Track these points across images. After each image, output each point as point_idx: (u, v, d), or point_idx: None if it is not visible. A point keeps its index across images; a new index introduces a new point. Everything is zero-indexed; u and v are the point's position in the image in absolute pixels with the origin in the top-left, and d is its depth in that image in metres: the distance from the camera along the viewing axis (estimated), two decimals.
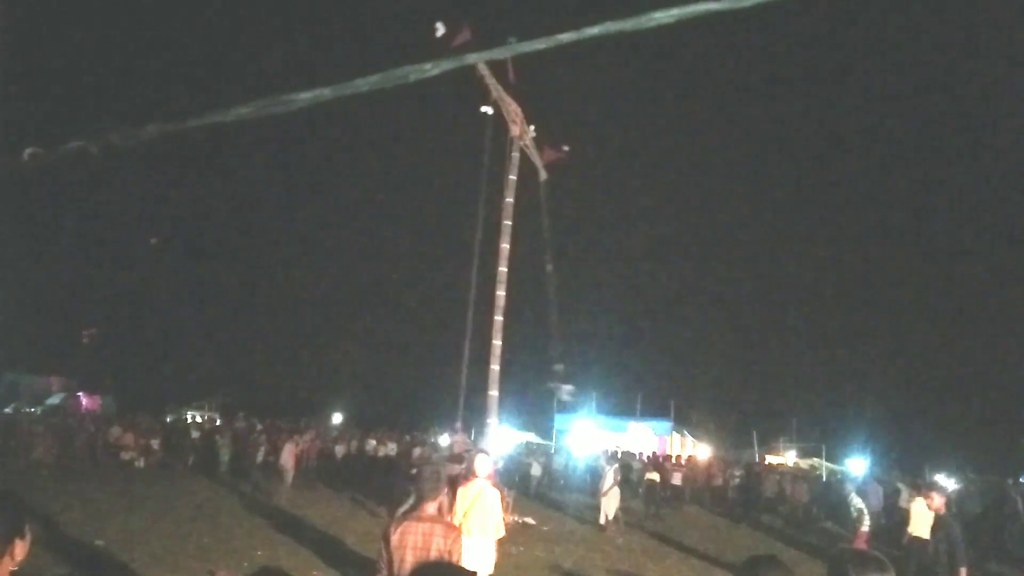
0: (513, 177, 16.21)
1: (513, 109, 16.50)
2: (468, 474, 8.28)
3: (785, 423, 40.85)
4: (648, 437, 34.44)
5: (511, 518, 15.72)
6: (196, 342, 52.97)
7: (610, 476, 17.51)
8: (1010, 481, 25.15)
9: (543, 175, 17.63)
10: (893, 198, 67.82)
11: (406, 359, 53.82)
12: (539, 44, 2.69)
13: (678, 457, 29.64)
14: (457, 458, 12.89)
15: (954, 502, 21.13)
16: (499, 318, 15.34)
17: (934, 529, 7.98)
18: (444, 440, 32.97)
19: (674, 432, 35.88)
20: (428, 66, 2.56)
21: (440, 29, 16.16)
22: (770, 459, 36.04)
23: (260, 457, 19.10)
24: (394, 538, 4.43)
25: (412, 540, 4.40)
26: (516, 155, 16.31)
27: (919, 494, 14.08)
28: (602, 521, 16.96)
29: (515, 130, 16.46)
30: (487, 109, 16.14)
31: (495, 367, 15.09)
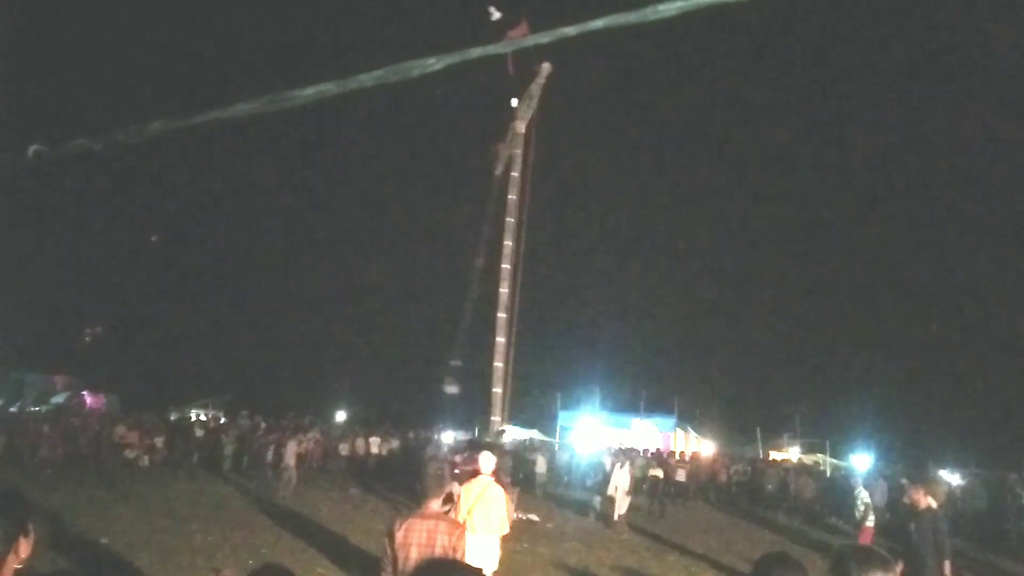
0: (515, 174, 16.22)
1: (519, 124, 16.54)
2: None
3: (789, 419, 40.79)
4: (652, 433, 34.42)
5: (515, 515, 15.73)
6: (200, 340, 53.04)
7: (625, 474, 17.55)
8: (1014, 476, 25.11)
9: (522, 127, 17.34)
10: (897, 193, 67.75)
11: (410, 357, 53.84)
12: (543, 38, 2.68)
13: (682, 453, 29.62)
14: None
15: (959, 497, 21.16)
16: (502, 315, 15.38)
17: (920, 523, 7.85)
18: (447, 437, 33.04)
19: (678, 428, 35.85)
20: (431, 60, 2.55)
21: (495, 14, 16.16)
22: (774, 455, 35.99)
23: (270, 456, 19.12)
24: (399, 535, 4.43)
25: (417, 537, 4.40)
26: (518, 152, 16.32)
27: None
28: (616, 518, 17.00)
29: (520, 127, 16.48)
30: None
31: (499, 364, 15.12)
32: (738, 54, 73.07)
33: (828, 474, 28.60)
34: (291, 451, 18.86)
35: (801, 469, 27.30)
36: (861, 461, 32.42)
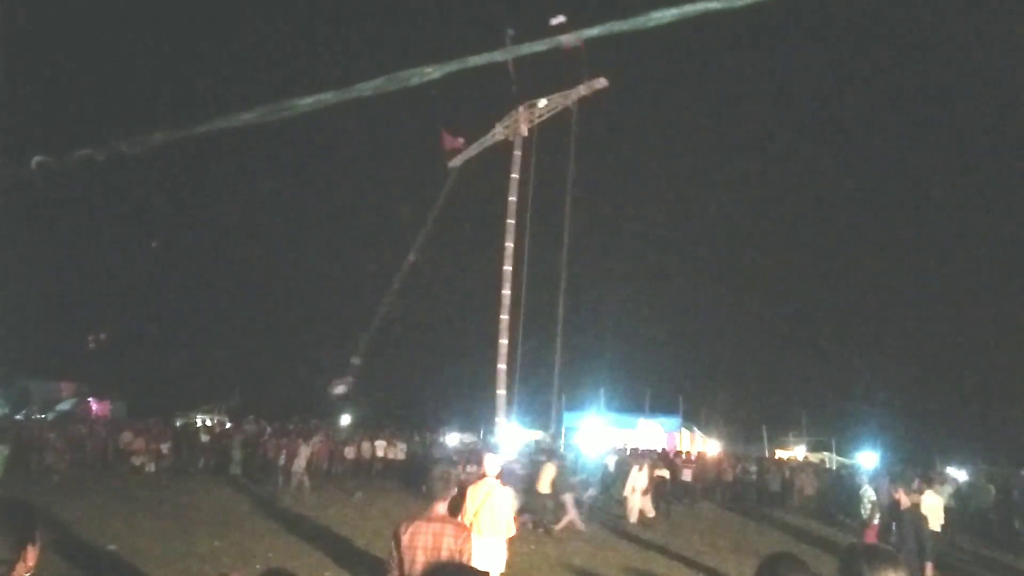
0: (515, 176, 16.24)
1: (509, 127, 16.59)
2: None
3: (794, 417, 40.74)
4: (658, 433, 34.39)
5: (522, 518, 15.72)
6: (205, 345, 53.09)
7: (644, 476, 17.58)
8: (1021, 472, 25.05)
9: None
10: (903, 192, 67.66)
11: (414, 359, 53.83)
12: (540, 46, 2.70)
13: (687, 453, 29.59)
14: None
15: (965, 493, 21.10)
16: (504, 316, 15.39)
17: (902, 523, 7.86)
18: (452, 439, 33.05)
19: (683, 428, 35.82)
20: (430, 69, 2.57)
21: (560, 19, 16.24)
22: (780, 454, 35.97)
23: (282, 460, 19.12)
24: (405, 538, 4.44)
25: (423, 540, 4.40)
26: (518, 154, 16.34)
27: (929, 487, 14.08)
28: (634, 519, 17.11)
29: (523, 129, 16.52)
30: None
31: (502, 366, 15.12)
32: (741, 61, 73.00)
33: (835, 472, 28.55)
34: (303, 456, 18.86)
35: (805, 466, 27.28)
36: (867, 459, 32.38)
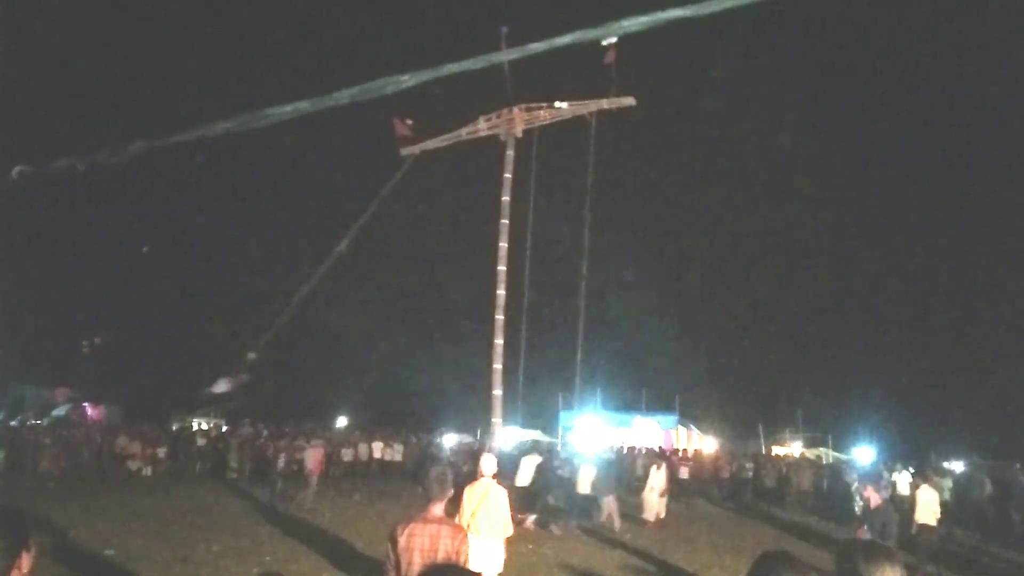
0: (508, 176, 16.25)
1: (493, 123, 16.60)
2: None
3: (791, 414, 40.83)
4: (654, 431, 34.43)
5: (519, 517, 15.73)
6: (199, 349, 52.96)
7: (661, 476, 17.71)
8: (1017, 465, 25.11)
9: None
10: (895, 189, 67.80)
11: (410, 361, 53.80)
12: (512, 54, 2.71)
13: (684, 451, 29.66)
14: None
15: (962, 486, 21.17)
16: (500, 317, 15.38)
17: (871, 521, 7.88)
18: (449, 440, 33.05)
19: (680, 426, 35.87)
20: (405, 78, 2.58)
21: (611, 39, 16.27)
22: (776, 450, 36.05)
23: (281, 463, 19.04)
24: (401, 540, 4.43)
25: (420, 542, 4.40)
26: (511, 153, 16.35)
27: (925, 482, 14.12)
28: (651, 518, 17.19)
29: (518, 131, 16.54)
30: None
31: (498, 366, 15.11)
32: (735, 59, 73.08)
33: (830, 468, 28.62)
34: (313, 459, 18.76)
35: (802, 463, 27.33)
36: (863, 454, 32.47)
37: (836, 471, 24.08)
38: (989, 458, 30.09)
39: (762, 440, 37.44)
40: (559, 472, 17.73)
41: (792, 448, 37.08)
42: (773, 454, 33.76)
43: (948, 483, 19.13)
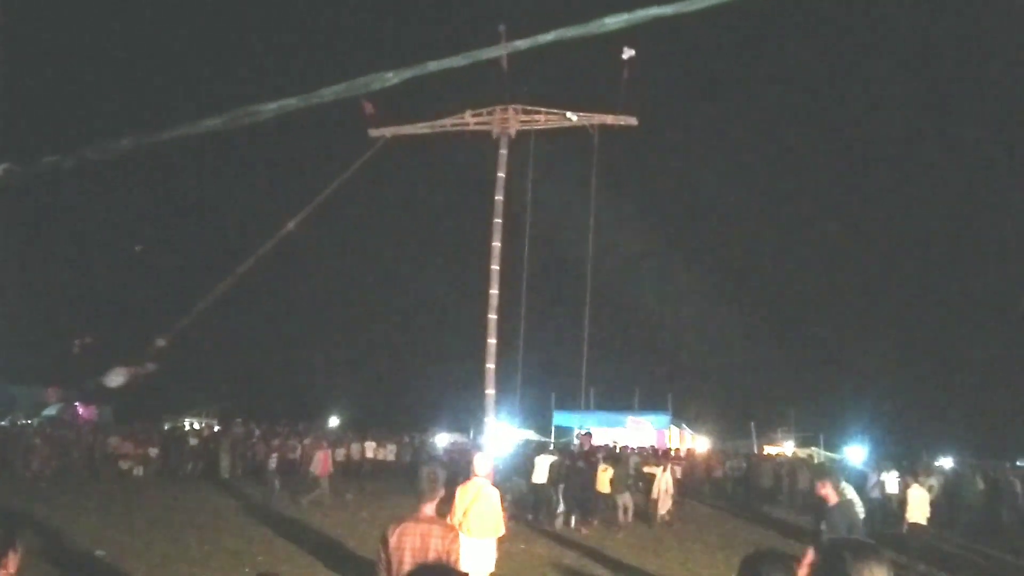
0: (501, 175, 16.23)
1: (481, 119, 16.58)
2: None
3: (783, 413, 40.96)
4: (647, 431, 34.45)
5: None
6: (191, 349, 52.76)
7: (668, 476, 17.95)
8: (1007, 465, 25.27)
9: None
10: (886, 188, 68.08)
11: (403, 361, 53.80)
12: (494, 52, 2.72)
13: (677, 450, 29.69)
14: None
15: (953, 486, 21.27)
16: (493, 316, 15.36)
17: (832, 519, 7.47)
18: (442, 440, 33.03)
19: (672, 425, 35.89)
20: (389, 75, 2.58)
21: (629, 52, 16.27)
22: (769, 449, 36.12)
23: (272, 464, 19.00)
24: (392, 540, 4.43)
25: (410, 541, 4.39)
26: (504, 152, 16.33)
27: (915, 481, 14.17)
28: (664, 516, 17.46)
29: (512, 130, 16.51)
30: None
31: (491, 365, 15.10)
32: (730, 54, 73.28)
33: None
34: (319, 460, 18.69)
35: (796, 462, 27.40)
36: (855, 453, 32.58)
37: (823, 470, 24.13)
38: (979, 457, 30.26)
39: (754, 440, 37.52)
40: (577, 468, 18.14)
41: (784, 447, 37.16)
42: (765, 453, 33.84)
43: (932, 481, 19.18)
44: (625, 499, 17.07)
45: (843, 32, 71.75)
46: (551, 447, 21.74)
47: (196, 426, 35.95)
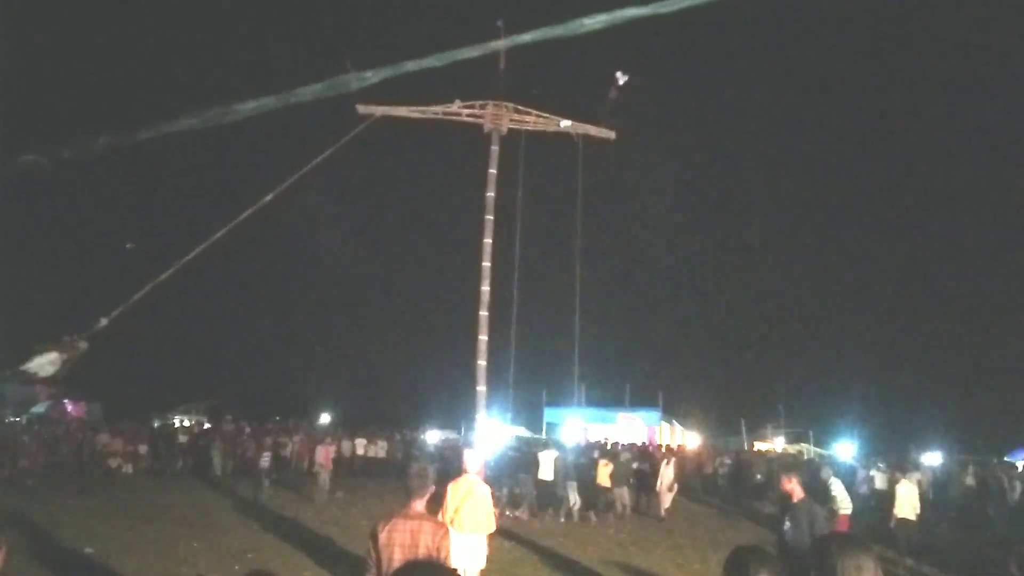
0: (493, 171, 16.22)
1: (474, 113, 16.58)
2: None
3: (773, 410, 41.14)
4: (637, 427, 34.55)
5: (502, 513, 15.79)
6: (181, 346, 52.64)
7: (670, 471, 18.23)
8: (995, 461, 25.43)
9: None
10: (873, 184, 68.33)
11: (394, 357, 53.74)
12: (473, 52, 2.73)
13: (667, 446, 29.77)
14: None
15: (941, 482, 21.41)
16: (484, 313, 15.36)
17: (796, 516, 7.31)
18: (433, 437, 33.03)
19: (663, 422, 36.01)
20: (369, 74, 2.59)
21: (625, 78, 16.46)
22: (759, 446, 36.28)
23: (265, 462, 18.97)
24: (382, 536, 4.42)
25: (400, 538, 4.39)
26: (495, 149, 16.32)
27: (904, 476, 14.25)
28: (663, 513, 17.72)
29: (503, 128, 16.51)
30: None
31: (482, 362, 15.10)
32: (726, 49, 73.42)
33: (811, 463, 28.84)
34: (321, 456, 18.86)
35: (785, 460, 27.53)
36: (844, 449, 32.75)
37: (812, 466, 24.29)
38: (966, 453, 30.45)
39: (744, 436, 37.68)
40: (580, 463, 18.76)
41: (774, 444, 37.34)
42: (755, 449, 33.98)
43: (919, 476, 19.31)
44: (623, 493, 17.65)
45: (830, 35, 71.99)
46: (551, 443, 22.03)
47: (186, 423, 35.83)
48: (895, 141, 66.68)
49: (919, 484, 13.91)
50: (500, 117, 16.74)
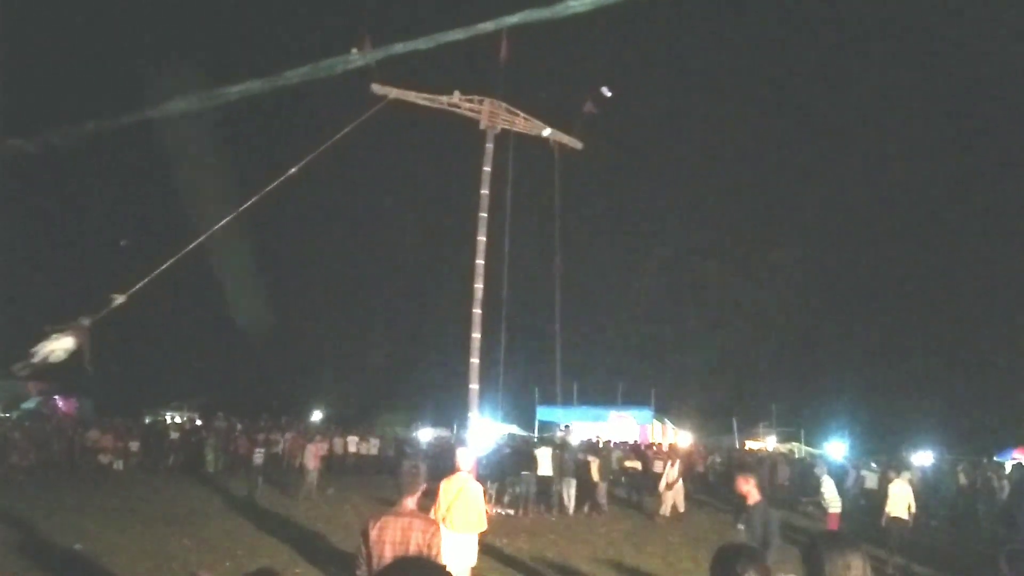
0: (487, 169, 16.20)
1: (473, 106, 16.55)
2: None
3: (764, 409, 41.21)
4: (630, 425, 34.58)
5: (494, 511, 15.82)
6: (173, 342, 52.45)
7: (674, 471, 18.26)
8: (985, 460, 25.56)
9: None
10: (865, 181, 68.55)
11: (387, 355, 53.66)
12: (457, 35, 2.72)
13: (659, 445, 29.83)
14: None
15: (932, 480, 21.51)
16: (477, 311, 15.33)
17: (750, 517, 6.98)
18: (425, 434, 33.02)
19: (655, 420, 36.05)
20: (355, 56, 2.59)
21: (607, 92, 16.77)
22: (750, 444, 36.37)
23: (257, 459, 18.89)
24: (373, 533, 4.42)
25: (391, 535, 4.39)
26: (490, 147, 16.30)
27: (898, 476, 14.30)
28: (664, 512, 17.70)
29: (482, 122, 16.50)
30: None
31: (475, 360, 15.07)
32: (721, 52, 73.52)
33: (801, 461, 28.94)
34: (311, 454, 18.77)
35: (777, 457, 27.62)
36: (835, 449, 32.86)
37: (805, 463, 24.41)
38: (956, 453, 30.59)
39: (736, 435, 37.76)
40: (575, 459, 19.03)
41: (766, 443, 37.42)
42: (747, 448, 34.07)
43: (909, 475, 19.41)
44: (604, 487, 18.65)
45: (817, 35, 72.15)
46: (546, 440, 22.21)
47: (177, 420, 35.74)
48: (879, 140, 66.85)
49: (909, 483, 13.94)
50: (496, 115, 16.74)
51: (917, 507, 13.91)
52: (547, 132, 17.59)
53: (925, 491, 20.35)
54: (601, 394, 39.40)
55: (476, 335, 15.22)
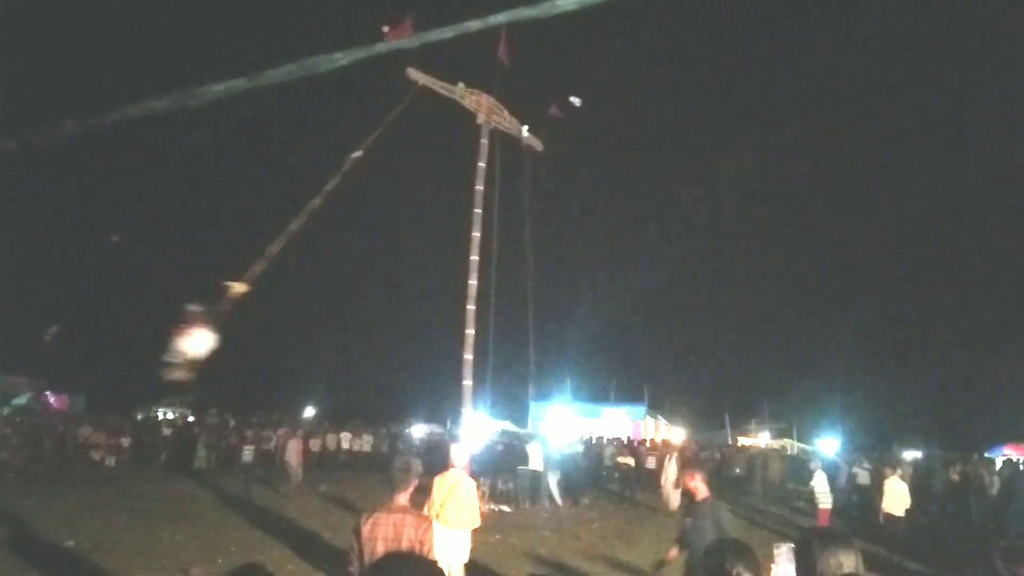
0: (482, 164, 16.20)
1: (476, 99, 16.54)
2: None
3: (757, 405, 41.36)
4: (623, 422, 34.62)
5: (487, 507, 15.83)
6: (165, 338, 52.16)
7: (674, 467, 18.23)
8: (976, 456, 25.65)
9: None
10: (859, 178, 68.78)
11: (379, 351, 53.62)
12: (446, 32, 2.71)
13: (652, 441, 29.88)
14: None
15: (922, 476, 21.58)
16: (471, 307, 15.34)
17: (697, 515, 6.70)
18: (418, 431, 32.99)
19: (648, 416, 36.11)
20: (339, 55, 2.57)
21: (576, 101, 16.96)
22: (743, 441, 36.47)
23: (246, 456, 18.85)
24: (365, 530, 4.41)
25: (383, 531, 4.38)
26: (485, 142, 16.30)
27: (892, 473, 14.34)
28: (673, 507, 17.57)
29: (480, 117, 16.49)
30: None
31: (468, 356, 15.08)
32: (704, 40, 73.53)
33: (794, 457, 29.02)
34: (293, 450, 18.76)
35: (769, 453, 27.69)
36: (827, 445, 32.97)
37: (799, 460, 24.46)
38: (947, 449, 30.74)
39: (728, 431, 37.86)
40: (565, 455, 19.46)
41: (759, 439, 37.52)
42: (739, 444, 34.15)
43: (901, 472, 19.50)
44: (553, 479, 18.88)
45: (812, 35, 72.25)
46: (536, 436, 22.30)
47: (170, 416, 35.62)
48: (873, 138, 67.10)
49: (901, 479, 14.00)
50: (492, 111, 16.76)
51: (912, 503, 13.95)
52: (525, 132, 17.70)
53: (916, 487, 20.44)
54: (595, 390, 39.47)
55: (470, 331, 15.26)
